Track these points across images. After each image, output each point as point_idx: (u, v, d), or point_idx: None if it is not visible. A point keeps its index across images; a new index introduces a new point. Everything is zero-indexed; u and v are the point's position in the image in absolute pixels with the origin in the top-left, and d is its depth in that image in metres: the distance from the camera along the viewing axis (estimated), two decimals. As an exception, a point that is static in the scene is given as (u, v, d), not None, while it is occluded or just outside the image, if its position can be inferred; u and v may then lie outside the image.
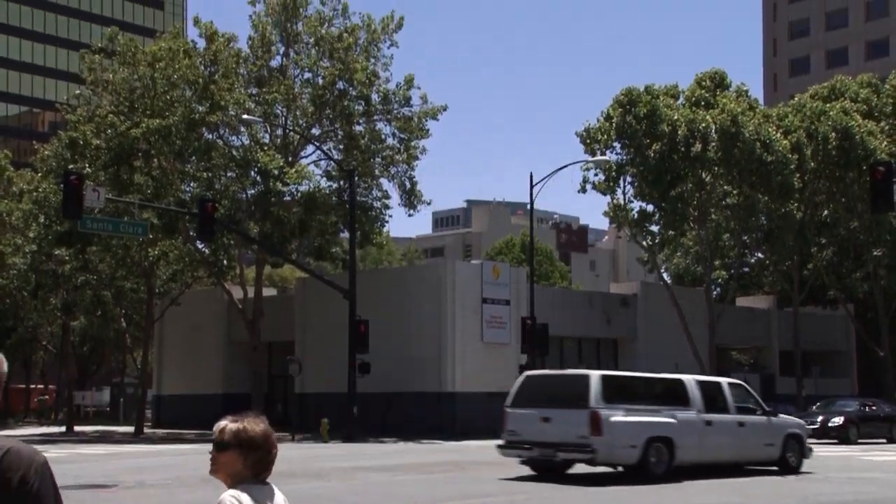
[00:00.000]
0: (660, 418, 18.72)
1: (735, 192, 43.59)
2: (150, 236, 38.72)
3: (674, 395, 19.59)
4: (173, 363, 51.60)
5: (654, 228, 44.97)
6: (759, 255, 54.85)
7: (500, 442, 19.78)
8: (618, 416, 18.11)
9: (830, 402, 38.10)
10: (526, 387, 19.92)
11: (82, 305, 50.87)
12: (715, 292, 54.65)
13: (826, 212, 47.93)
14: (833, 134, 44.10)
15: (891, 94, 48.38)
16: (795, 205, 45.37)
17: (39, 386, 75.22)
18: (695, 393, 19.58)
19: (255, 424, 3.30)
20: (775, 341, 54.79)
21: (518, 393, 19.90)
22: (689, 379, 20.40)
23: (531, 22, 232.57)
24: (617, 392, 18.91)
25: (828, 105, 45.65)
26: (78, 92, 45.48)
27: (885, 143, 45.35)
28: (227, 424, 3.29)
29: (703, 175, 42.85)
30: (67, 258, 44.36)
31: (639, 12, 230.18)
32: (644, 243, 45.69)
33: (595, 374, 19.03)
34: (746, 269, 56.92)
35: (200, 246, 42.35)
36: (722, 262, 55.05)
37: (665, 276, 54.84)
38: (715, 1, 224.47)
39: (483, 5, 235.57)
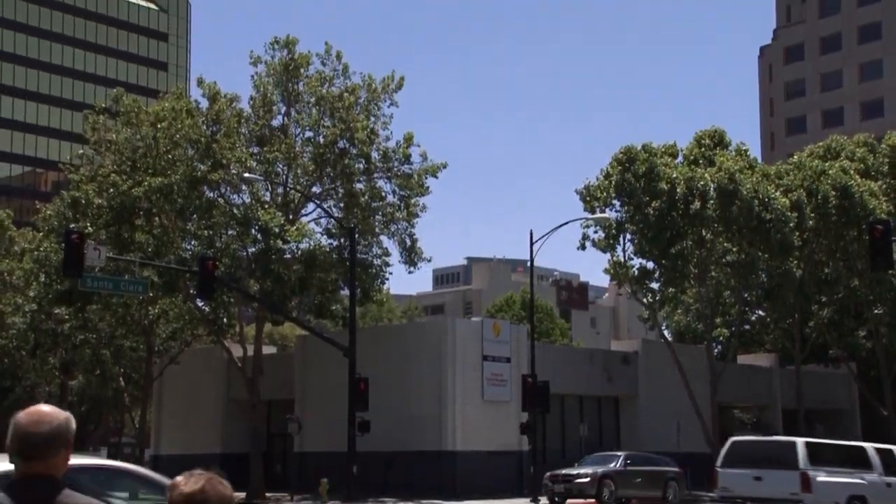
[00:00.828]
0: (854, 479, 22.53)
1: (735, 249, 43.68)
2: (151, 294, 38.75)
3: (858, 460, 23.46)
4: (172, 422, 51.18)
5: (655, 286, 44.97)
6: (760, 312, 54.75)
7: (713, 495, 24.22)
8: (822, 477, 21.95)
9: (591, 456, 36.35)
10: (734, 450, 23.49)
11: (81, 364, 50.69)
12: (716, 350, 54.44)
13: (826, 269, 47.96)
14: (833, 192, 44.34)
15: (887, 154, 48.75)
16: (795, 262, 45.42)
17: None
18: (875, 458, 23.39)
19: (214, 486, 2.97)
20: (778, 399, 54.42)
21: (727, 455, 23.54)
22: (869, 446, 24.62)
23: (531, 79, 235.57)
24: (816, 456, 22.54)
25: (827, 164, 45.98)
26: (81, 152, 45.90)
27: (883, 202, 45.58)
28: (181, 486, 2.97)
29: (703, 232, 42.99)
30: (67, 317, 44.33)
31: (636, 73, 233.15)
32: (644, 300, 45.65)
33: (801, 441, 23.14)
34: (747, 327, 56.76)
35: (201, 304, 42.34)
36: (723, 319, 54.92)
37: (666, 333, 54.68)
38: (711, 61, 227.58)
39: (483, 64, 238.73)
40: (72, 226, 37.97)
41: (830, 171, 44.91)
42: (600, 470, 33.75)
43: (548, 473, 34.97)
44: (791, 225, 42.30)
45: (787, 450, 22.69)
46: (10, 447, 3.44)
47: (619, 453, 36.77)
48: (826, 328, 50.63)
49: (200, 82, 41.39)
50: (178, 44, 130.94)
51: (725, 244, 43.87)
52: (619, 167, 42.63)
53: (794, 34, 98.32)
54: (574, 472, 34.07)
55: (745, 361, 55.88)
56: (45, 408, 3.53)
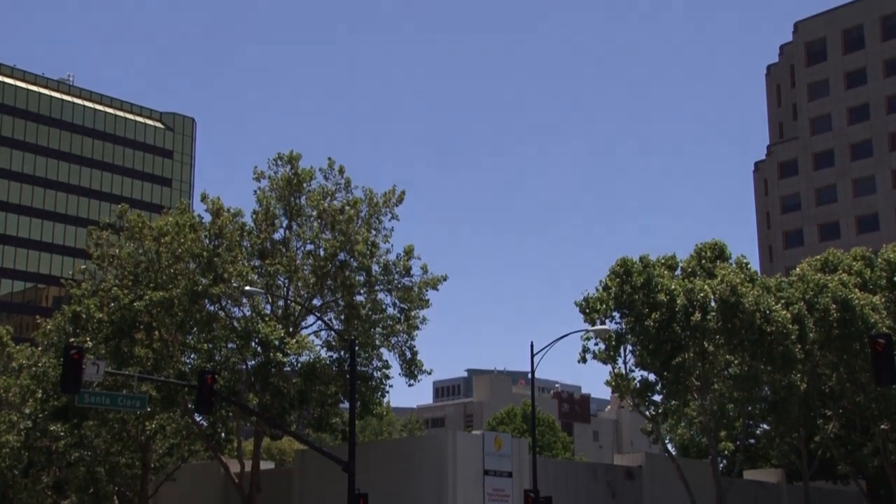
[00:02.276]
0: None
1: (737, 362, 43.43)
2: (149, 409, 38.33)
3: None
4: (166, 542, 49.85)
5: (657, 398, 44.55)
6: (765, 426, 54.02)
7: None
8: None
9: None
10: None
11: (74, 483, 49.62)
12: (721, 464, 53.47)
13: (830, 383, 47.59)
14: (833, 306, 44.43)
15: (884, 268, 49.02)
16: (799, 376, 45.09)
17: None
18: None
19: None
20: (787, 517, 53.19)
21: None
22: None
23: (531, 192, 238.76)
24: None
25: (827, 277, 46.21)
26: (84, 266, 46.09)
27: (884, 315, 45.60)
28: None
29: (705, 345, 42.85)
30: (62, 434, 43.68)
31: (635, 187, 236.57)
32: (647, 413, 45.16)
33: None
34: (753, 441, 55.91)
35: (199, 419, 41.84)
36: (727, 433, 54.15)
37: (670, 447, 53.84)
38: (707, 175, 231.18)
39: (483, 177, 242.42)
40: (71, 340, 37.90)
41: (830, 285, 45.10)
42: None
43: None
44: (793, 338, 42.21)
45: None
46: None
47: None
48: (832, 443, 49.87)
49: (204, 197, 41.97)
50: (183, 160, 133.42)
51: (727, 357, 43.64)
52: (617, 279, 42.87)
53: (787, 150, 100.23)
54: None
55: (752, 477, 54.81)
56: None
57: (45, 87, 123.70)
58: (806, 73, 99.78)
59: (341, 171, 43.04)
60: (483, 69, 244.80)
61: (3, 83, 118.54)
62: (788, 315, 42.75)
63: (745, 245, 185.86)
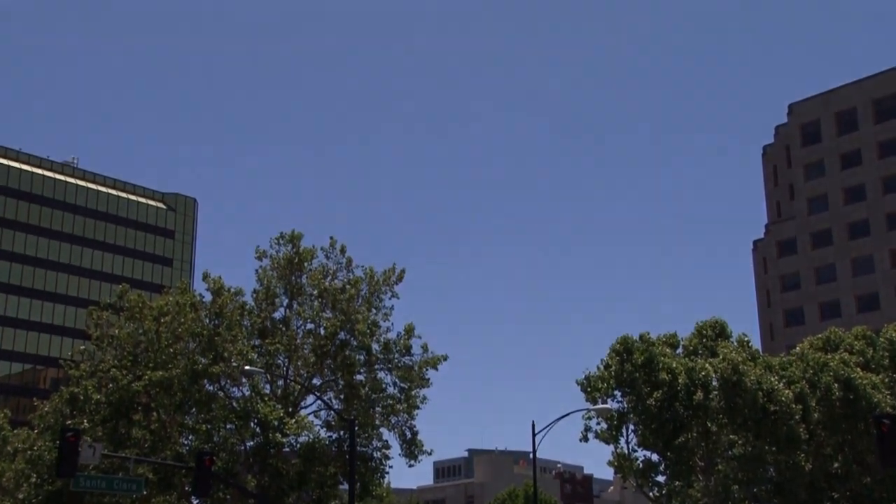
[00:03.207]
0: None
1: (741, 442, 42.98)
2: (145, 492, 37.76)
3: None
4: None
5: (661, 479, 43.94)
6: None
7: None
8: None
9: None
10: None
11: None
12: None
13: (836, 464, 46.95)
14: (836, 385, 44.17)
15: (886, 348, 48.88)
16: (803, 456, 44.55)
17: None
18: None
19: None
20: None
21: None
22: None
23: (531, 270, 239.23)
24: None
25: (828, 356, 46.03)
26: (83, 347, 45.90)
27: (887, 395, 45.28)
28: None
29: (708, 424, 42.45)
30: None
31: (634, 265, 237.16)
32: (651, 495, 44.48)
33: None
34: (759, 523, 54.85)
35: (196, 501, 41.17)
36: (734, 515, 53.14)
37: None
38: (707, 253, 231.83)
39: (484, 256, 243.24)
40: (68, 422, 37.50)
41: (832, 364, 44.91)
42: None
43: None
44: (797, 417, 41.84)
45: None
46: None
47: None
48: (840, 526, 48.88)
49: (206, 276, 42.08)
50: (184, 240, 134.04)
51: (731, 437, 43.20)
52: (618, 357, 42.76)
53: (785, 229, 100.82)
54: None
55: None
56: None
57: (50, 169, 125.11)
58: (802, 153, 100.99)
59: (343, 250, 43.28)
60: (486, 148, 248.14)
61: (9, 167, 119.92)
62: (791, 394, 42.47)
63: (745, 323, 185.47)
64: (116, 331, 41.83)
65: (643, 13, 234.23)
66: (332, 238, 43.29)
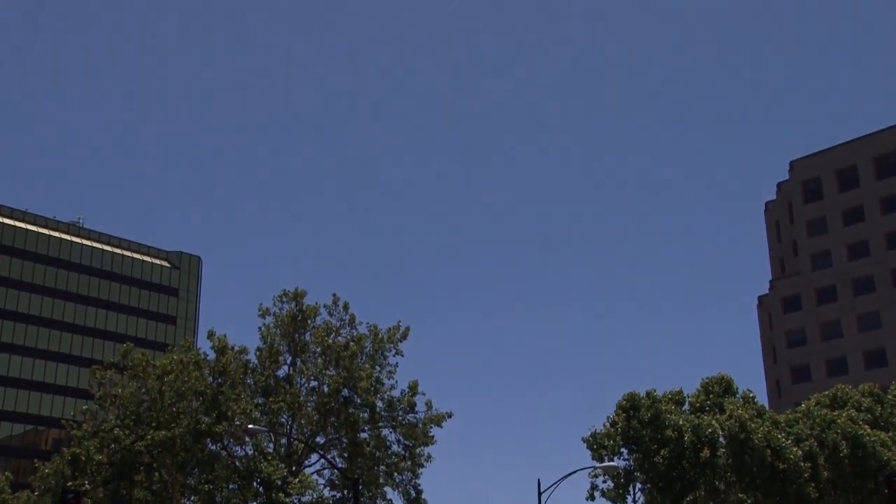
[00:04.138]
0: None
1: (750, 501, 42.38)
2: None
3: None
4: None
5: (670, 539, 43.23)
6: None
7: None
8: None
9: None
10: None
11: None
12: None
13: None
14: (844, 442, 43.72)
15: (894, 405, 48.50)
16: (814, 515, 43.90)
17: None
18: None
19: None
20: None
21: None
22: None
23: (534, 328, 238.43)
24: None
25: (835, 413, 45.64)
26: (85, 407, 45.67)
27: (896, 453, 44.77)
28: None
29: (716, 482, 41.92)
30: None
31: (639, 320, 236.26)
32: (660, 554, 43.68)
33: None
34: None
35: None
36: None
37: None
38: (711, 309, 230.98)
39: (486, 314, 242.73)
40: (69, 484, 37.17)
41: (839, 421, 44.52)
42: None
43: None
44: (806, 475, 41.33)
45: None
46: None
47: None
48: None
49: (210, 335, 42.06)
50: (189, 298, 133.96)
51: (740, 495, 42.63)
52: (624, 414, 42.41)
53: (790, 285, 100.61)
54: None
55: None
56: None
57: (56, 229, 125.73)
58: (804, 210, 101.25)
59: (346, 307, 43.30)
60: (490, 206, 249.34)
61: (14, 227, 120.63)
62: (800, 452, 42.00)
63: (751, 379, 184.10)
64: (120, 390, 41.72)
65: (646, 68, 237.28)
66: (335, 295, 43.46)
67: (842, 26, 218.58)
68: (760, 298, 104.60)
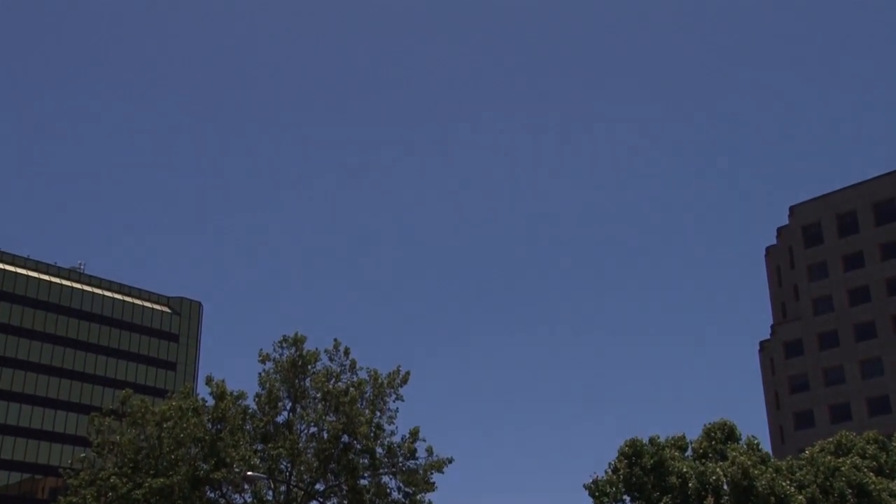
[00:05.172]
0: None
1: (755, 550, 41.80)
2: None
3: None
4: None
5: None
6: None
7: None
8: None
9: None
10: None
11: None
12: None
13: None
14: (849, 490, 43.26)
15: (899, 453, 48.02)
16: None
17: None
18: None
19: None
20: None
21: None
22: None
23: (537, 372, 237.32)
24: None
25: (839, 460, 45.21)
26: (83, 455, 45.36)
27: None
28: None
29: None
30: None
31: (639, 365, 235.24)
32: None
33: None
34: None
35: None
36: None
37: None
38: (714, 353, 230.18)
39: (488, 354, 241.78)
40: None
41: (843, 468, 44.09)
42: None
43: None
44: (812, 525, 40.83)
45: None
46: None
47: None
48: None
49: (209, 381, 41.92)
50: (189, 343, 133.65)
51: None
52: (626, 460, 41.97)
53: (791, 330, 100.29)
54: None
55: None
56: None
57: (57, 275, 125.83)
58: (804, 255, 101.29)
59: (346, 352, 43.19)
60: (489, 245, 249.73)
61: (16, 273, 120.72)
62: (804, 500, 41.52)
63: (755, 425, 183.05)
64: (118, 437, 41.48)
65: (646, 111, 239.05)
66: (335, 340, 43.39)
67: (842, 72, 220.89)
68: (762, 343, 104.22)
